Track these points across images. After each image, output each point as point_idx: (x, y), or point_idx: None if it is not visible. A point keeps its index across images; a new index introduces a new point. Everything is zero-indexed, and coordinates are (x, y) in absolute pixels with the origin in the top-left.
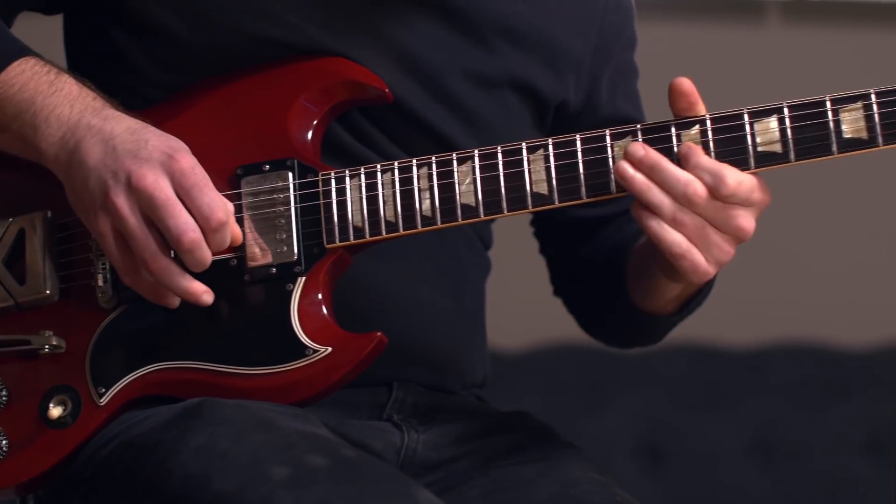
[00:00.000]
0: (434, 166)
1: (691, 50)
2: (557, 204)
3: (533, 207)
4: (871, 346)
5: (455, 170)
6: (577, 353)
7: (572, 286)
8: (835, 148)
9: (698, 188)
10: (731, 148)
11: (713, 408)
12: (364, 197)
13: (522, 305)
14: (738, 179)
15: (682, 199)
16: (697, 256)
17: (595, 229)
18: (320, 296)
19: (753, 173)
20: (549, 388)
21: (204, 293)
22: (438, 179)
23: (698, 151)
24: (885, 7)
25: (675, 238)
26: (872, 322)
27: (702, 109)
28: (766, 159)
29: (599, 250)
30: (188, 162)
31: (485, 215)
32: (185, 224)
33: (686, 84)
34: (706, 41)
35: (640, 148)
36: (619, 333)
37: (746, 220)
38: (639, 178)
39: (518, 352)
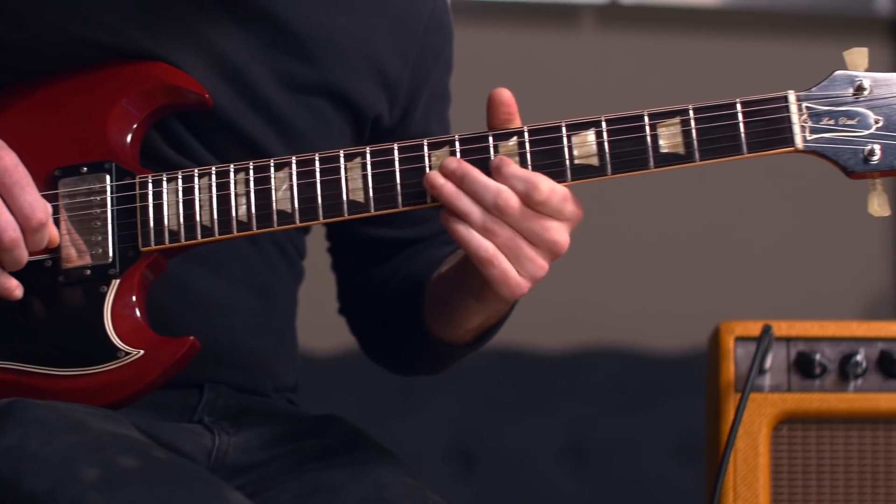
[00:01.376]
0: (251, 172)
1: (504, 55)
2: (373, 212)
3: (349, 215)
4: (681, 351)
5: (272, 176)
6: None
7: (360, 310)
8: (652, 162)
9: (510, 197)
10: (548, 160)
11: (525, 411)
12: (181, 201)
13: (334, 308)
14: (550, 187)
15: (493, 208)
16: (507, 265)
17: (390, 252)
18: (134, 298)
19: (568, 187)
20: (360, 392)
21: (16, 288)
22: (255, 185)
23: (510, 162)
24: (699, 12)
25: (482, 243)
26: (683, 327)
27: (518, 122)
28: (582, 172)
29: (391, 279)
30: (10, 160)
31: (300, 222)
32: (5, 222)
33: (505, 94)
34: (519, 46)
35: (453, 161)
36: (411, 364)
37: (560, 234)
38: (448, 186)
39: (329, 355)
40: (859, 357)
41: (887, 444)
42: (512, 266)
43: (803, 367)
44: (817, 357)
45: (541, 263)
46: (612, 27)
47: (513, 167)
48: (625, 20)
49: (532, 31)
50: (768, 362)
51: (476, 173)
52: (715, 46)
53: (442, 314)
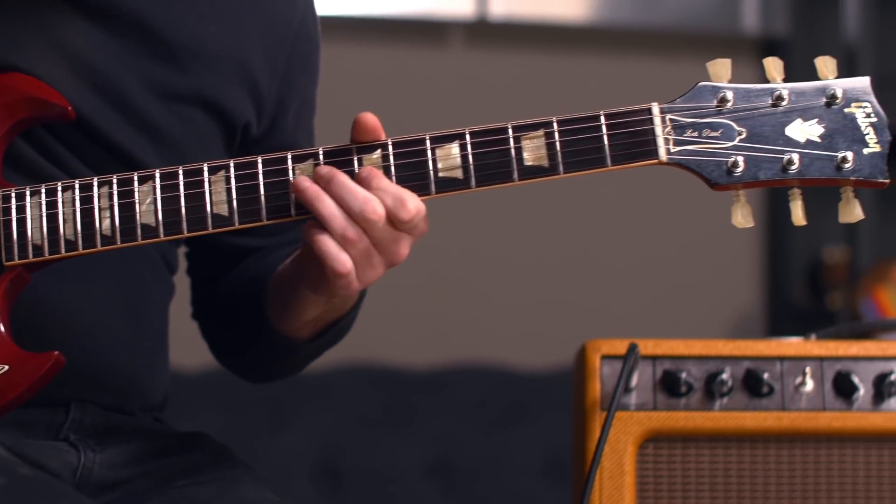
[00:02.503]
0: (115, 185)
1: (373, 71)
2: (238, 225)
3: (213, 228)
4: (548, 369)
5: (136, 189)
6: None
7: (212, 315)
8: (516, 175)
9: (377, 207)
10: (412, 173)
11: (392, 428)
12: (44, 215)
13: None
14: (417, 205)
15: (358, 216)
16: (353, 274)
17: (243, 259)
18: None
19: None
20: (227, 409)
21: None
22: (119, 199)
23: (380, 174)
24: (567, 29)
25: (340, 256)
26: (550, 345)
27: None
28: (446, 185)
29: (240, 280)
30: None
31: (164, 235)
32: None
33: (371, 120)
34: (387, 62)
35: (324, 168)
36: (258, 365)
37: (406, 248)
38: (313, 188)
39: (197, 371)
40: (725, 376)
41: (752, 463)
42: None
43: (669, 386)
44: (683, 375)
45: (379, 273)
46: (480, 43)
47: (384, 181)
48: (492, 36)
49: (400, 48)
50: (634, 381)
51: (345, 178)
52: (583, 62)
53: (280, 304)
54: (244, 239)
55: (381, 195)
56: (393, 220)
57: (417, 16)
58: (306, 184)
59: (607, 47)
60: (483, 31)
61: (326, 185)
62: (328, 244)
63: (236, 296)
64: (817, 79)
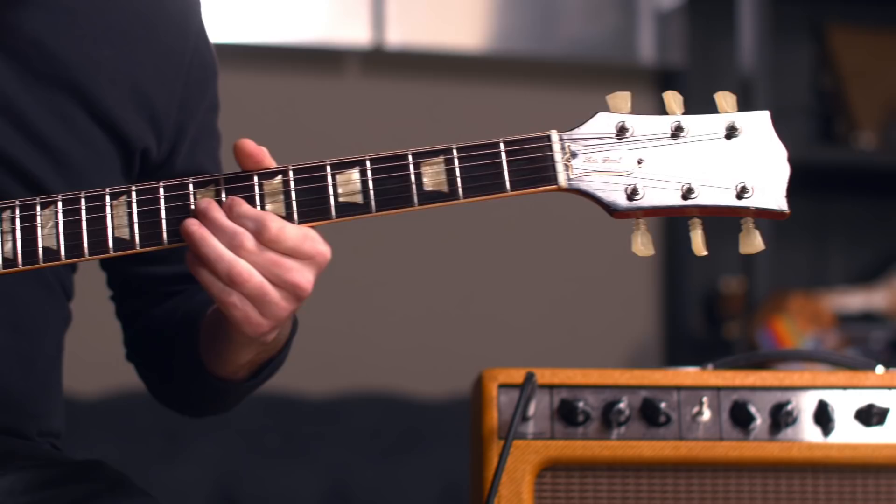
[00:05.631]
0: (17, 210)
1: (269, 99)
2: (139, 249)
3: (114, 252)
4: (444, 398)
5: (38, 213)
6: (152, 400)
7: (145, 356)
8: (416, 200)
9: (244, 238)
10: (313, 197)
11: (289, 456)
12: None
13: (98, 354)
14: (280, 225)
15: (230, 248)
16: (248, 307)
17: (169, 289)
18: None
19: (313, 226)
20: (124, 436)
21: None
22: (21, 223)
23: (240, 202)
24: (463, 59)
25: (223, 289)
26: (446, 374)
27: (271, 164)
28: (347, 209)
29: (171, 320)
30: None
31: (66, 258)
32: None
33: (249, 146)
34: (283, 91)
35: (202, 202)
36: (195, 403)
37: (301, 276)
38: (197, 232)
39: (93, 399)
40: (622, 405)
41: (650, 491)
42: (255, 308)
43: (566, 415)
44: (580, 405)
45: (284, 306)
46: (376, 72)
47: (243, 207)
48: (388, 65)
49: (296, 76)
50: (531, 409)
51: (216, 214)
52: (479, 91)
53: (212, 350)
54: (158, 267)
55: (242, 222)
56: (263, 242)
57: (314, 44)
58: (193, 227)
59: (504, 76)
60: (379, 60)
61: (203, 220)
62: (211, 281)
63: (168, 339)
64: (716, 111)
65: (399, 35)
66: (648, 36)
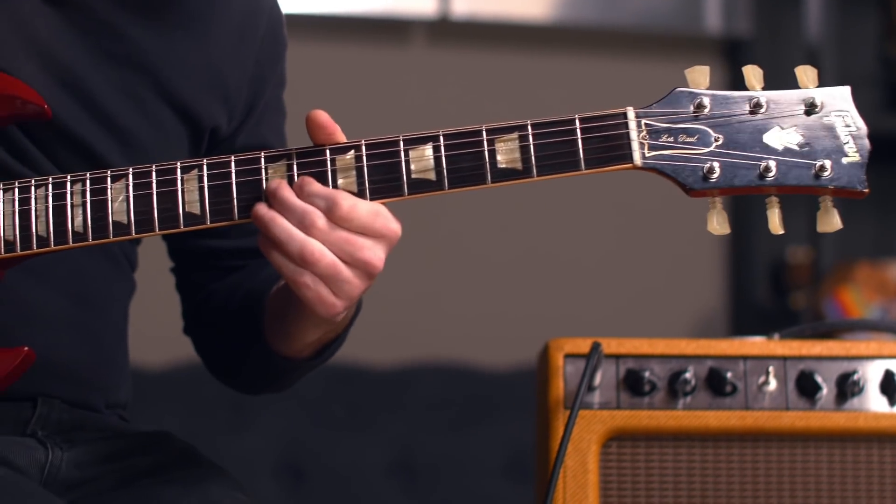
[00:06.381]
0: (88, 183)
1: (335, 70)
2: (209, 224)
3: (185, 227)
4: (510, 368)
5: (108, 187)
6: None
7: (203, 329)
8: (489, 177)
9: (315, 216)
10: (385, 175)
11: (354, 427)
12: (17, 211)
13: (164, 323)
14: (352, 203)
15: (301, 228)
16: (321, 287)
17: (231, 264)
18: None
19: (384, 202)
20: (190, 407)
21: None
22: (91, 196)
23: (311, 181)
24: (530, 28)
25: (294, 269)
26: (512, 344)
27: (342, 138)
28: (419, 187)
29: (233, 296)
30: None
31: (136, 233)
32: None
33: (322, 117)
34: (350, 61)
35: (273, 182)
36: (254, 381)
37: (372, 253)
38: (267, 214)
39: (159, 370)
40: (688, 375)
41: (716, 462)
42: (327, 288)
43: (632, 385)
44: (646, 374)
45: (357, 284)
46: (443, 42)
47: (314, 186)
48: (455, 35)
49: (362, 47)
50: (597, 379)
51: (285, 193)
52: (545, 61)
53: (279, 329)
54: (221, 241)
55: (313, 200)
56: (334, 221)
57: (380, 14)
58: (262, 211)
59: (569, 46)
60: (445, 30)
61: (272, 201)
62: (282, 262)
63: (231, 314)
64: (785, 80)
65: (465, 5)
66: (715, 5)
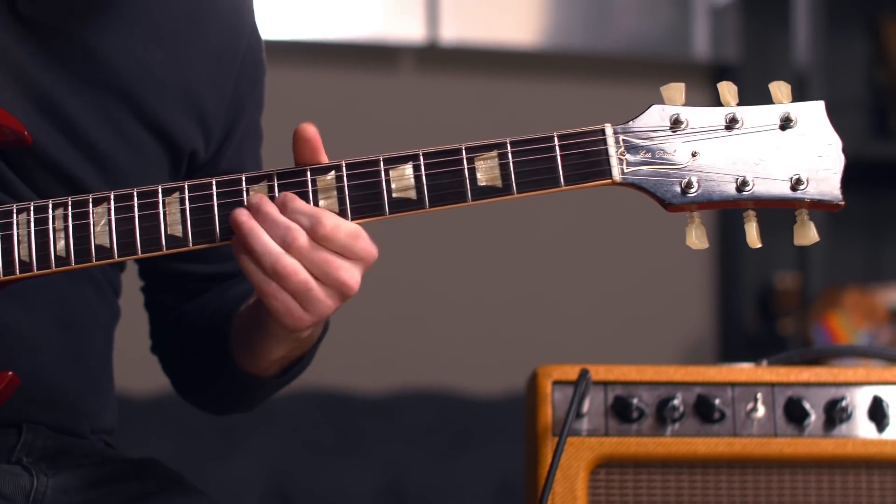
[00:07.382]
0: (70, 207)
1: (324, 96)
2: (192, 246)
3: (167, 249)
4: (499, 395)
5: (91, 211)
6: None
7: (171, 347)
8: (470, 195)
9: (297, 234)
10: (366, 193)
11: (343, 454)
12: None
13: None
14: (335, 222)
15: (282, 245)
16: (288, 300)
17: (202, 287)
18: None
19: (364, 223)
20: (178, 434)
21: None
22: (73, 220)
23: (294, 198)
24: (518, 54)
25: (263, 279)
26: (500, 371)
27: (324, 157)
28: (400, 206)
29: (202, 313)
30: None
31: (119, 256)
32: None
33: (309, 130)
34: (338, 87)
35: (255, 196)
36: (221, 400)
37: (349, 274)
38: (247, 223)
39: (146, 396)
40: (676, 401)
41: (704, 489)
42: (295, 302)
43: (621, 412)
44: (635, 401)
45: (328, 304)
46: (432, 69)
47: (298, 203)
48: (444, 62)
49: (351, 73)
50: (586, 406)
51: (268, 209)
52: (534, 87)
53: (246, 346)
54: (196, 265)
55: (296, 217)
56: (315, 239)
57: (369, 41)
58: (243, 218)
59: (558, 72)
60: (434, 57)
61: (255, 215)
62: (252, 270)
63: (199, 333)
64: (770, 103)
65: (453, 31)
66: (703, 31)
